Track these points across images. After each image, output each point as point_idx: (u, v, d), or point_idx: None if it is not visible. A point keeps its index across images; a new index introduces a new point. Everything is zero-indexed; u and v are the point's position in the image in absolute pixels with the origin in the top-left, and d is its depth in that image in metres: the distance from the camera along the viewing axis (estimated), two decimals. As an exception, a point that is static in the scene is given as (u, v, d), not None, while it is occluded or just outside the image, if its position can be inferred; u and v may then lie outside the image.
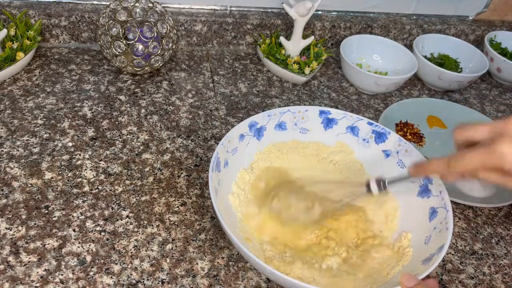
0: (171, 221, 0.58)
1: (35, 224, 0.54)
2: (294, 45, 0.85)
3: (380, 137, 0.61)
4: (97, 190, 0.60)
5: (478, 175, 0.42)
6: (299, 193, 0.57)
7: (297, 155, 0.63)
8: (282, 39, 0.85)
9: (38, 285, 0.49)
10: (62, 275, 0.50)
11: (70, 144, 0.65)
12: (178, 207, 0.60)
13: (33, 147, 0.64)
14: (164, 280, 0.51)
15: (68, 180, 0.60)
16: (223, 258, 0.55)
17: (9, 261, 0.50)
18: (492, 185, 0.69)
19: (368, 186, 0.53)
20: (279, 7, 0.93)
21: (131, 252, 0.53)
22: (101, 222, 0.56)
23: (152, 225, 0.57)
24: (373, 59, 0.93)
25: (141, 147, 0.67)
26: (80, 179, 0.61)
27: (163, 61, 0.79)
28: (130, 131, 0.69)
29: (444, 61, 0.93)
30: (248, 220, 0.55)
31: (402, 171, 0.59)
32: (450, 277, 0.58)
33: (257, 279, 0.53)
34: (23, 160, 0.62)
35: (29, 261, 0.51)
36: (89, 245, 0.53)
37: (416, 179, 0.56)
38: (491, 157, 0.39)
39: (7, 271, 0.49)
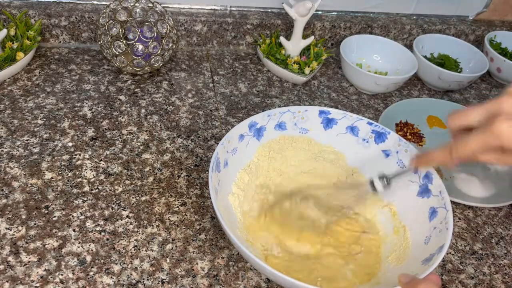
0: (171, 221, 0.58)
1: (35, 224, 0.54)
2: (294, 45, 0.85)
3: (380, 137, 0.61)
4: (97, 190, 0.60)
5: (479, 158, 0.41)
6: (301, 202, 0.57)
7: (291, 150, 0.63)
8: (282, 39, 0.85)
9: (38, 285, 0.49)
10: (62, 275, 0.50)
11: (70, 144, 0.65)
12: (178, 207, 0.60)
13: (33, 147, 0.64)
14: (164, 280, 0.51)
15: (68, 180, 0.60)
16: (223, 258, 0.55)
17: (9, 261, 0.50)
18: (492, 185, 0.69)
19: (372, 184, 0.53)
20: (279, 7, 0.93)
21: (131, 252, 0.53)
22: (101, 222, 0.56)
23: (152, 225, 0.57)
24: (373, 59, 0.92)
25: (141, 147, 0.67)
26: (80, 179, 0.61)
27: (163, 61, 0.79)
28: (130, 131, 0.69)
29: (444, 61, 0.93)
30: (249, 226, 0.55)
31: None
32: (450, 277, 0.58)
33: (257, 279, 0.53)
34: (23, 160, 0.62)
35: (29, 261, 0.51)
36: (89, 245, 0.53)
37: (417, 177, 0.56)
38: (490, 138, 0.39)
39: (7, 271, 0.49)
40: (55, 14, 0.81)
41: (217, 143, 0.59)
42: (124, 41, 0.73)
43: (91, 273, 0.51)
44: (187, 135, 0.70)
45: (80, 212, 0.57)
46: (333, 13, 0.97)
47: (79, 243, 0.53)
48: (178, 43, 0.89)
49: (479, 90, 0.95)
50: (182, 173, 0.64)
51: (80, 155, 0.64)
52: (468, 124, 0.42)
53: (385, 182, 0.52)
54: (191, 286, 0.51)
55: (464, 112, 0.43)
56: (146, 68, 0.78)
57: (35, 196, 0.58)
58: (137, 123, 0.71)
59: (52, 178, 0.60)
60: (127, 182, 0.62)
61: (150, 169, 0.64)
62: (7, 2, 0.81)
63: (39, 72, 0.78)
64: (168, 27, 0.76)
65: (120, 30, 0.73)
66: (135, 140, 0.68)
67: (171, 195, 0.61)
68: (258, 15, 0.91)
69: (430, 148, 0.75)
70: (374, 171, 0.56)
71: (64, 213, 0.56)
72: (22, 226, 0.54)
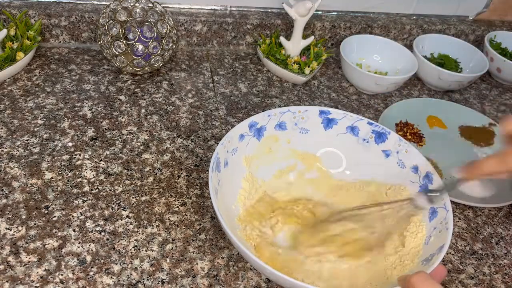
0: (171, 221, 0.58)
1: (35, 224, 0.54)
2: (294, 45, 0.85)
3: (380, 137, 0.61)
4: (97, 190, 0.60)
5: None
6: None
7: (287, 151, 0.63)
8: (282, 39, 0.85)
9: (38, 285, 0.49)
10: (62, 275, 0.50)
11: (70, 144, 0.65)
12: (178, 207, 0.60)
13: (33, 147, 0.64)
14: (164, 280, 0.51)
15: (68, 180, 0.60)
16: (223, 258, 0.55)
17: (9, 261, 0.50)
18: (492, 185, 0.69)
19: (413, 201, 0.52)
20: (279, 7, 0.93)
21: (131, 252, 0.53)
22: (101, 222, 0.56)
23: (152, 225, 0.57)
24: (373, 59, 0.93)
25: (141, 147, 0.67)
26: (80, 179, 0.61)
27: (163, 61, 0.79)
28: (130, 131, 0.69)
29: (444, 61, 0.93)
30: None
31: (403, 171, 0.59)
32: (450, 277, 0.58)
33: (257, 279, 0.53)
34: (23, 160, 0.62)
35: (29, 261, 0.51)
36: (89, 245, 0.53)
37: (417, 177, 0.56)
38: None
39: (7, 271, 0.49)
40: (55, 14, 0.81)
41: (217, 143, 0.59)
42: (124, 41, 0.73)
43: (91, 273, 0.51)
44: (187, 135, 0.70)
45: (80, 212, 0.57)
46: (333, 13, 0.97)
47: (79, 243, 0.53)
48: (178, 43, 0.89)
49: (479, 90, 0.95)
50: (182, 173, 0.64)
51: (80, 155, 0.64)
52: None
53: (430, 197, 0.51)
54: (191, 286, 0.51)
55: None
56: (146, 68, 0.78)
57: (35, 196, 0.58)
58: (137, 123, 0.71)
59: (52, 178, 0.60)
60: (127, 182, 0.61)
61: (150, 169, 0.64)
62: (7, 2, 0.81)
63: (39, 72, 0.78)
64: (168, 27, 0.76)
65: (120, 30, 0.73)
66: (135, 140, 0.68)
67: (171, 195, 0.61)
68: (258, 15, 0.91)
69: (430, 148, 0.76)
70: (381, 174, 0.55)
71: (64, 213, 0.56)
72: (22, 226, 0.54)
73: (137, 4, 0.74)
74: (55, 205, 0.57)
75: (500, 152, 0.41)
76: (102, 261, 0.52)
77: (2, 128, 0.66)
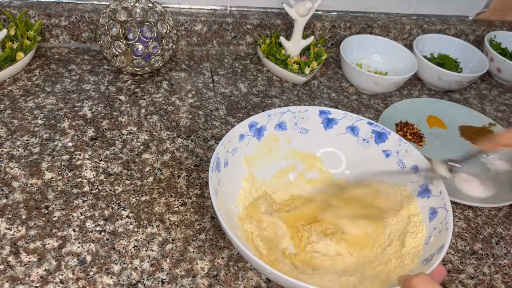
0: (171, 221, 0.58)
1: (35, 224, 0.54)
2: (294, 45, 0.85)
3: (380, 137, 0.61)
4: (97, 190, 0.60)
5: None
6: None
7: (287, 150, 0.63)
8: (282, 39, 0.85)
9: (38, 285, 0.49)
10: (62, 275, 0.50)
11: (70, 144, 0.65)
12: (178, 207, 0.60)
13: (33, 147, 0.64)
14: (164, 280, 0.51)
15: (68, 180, 0.60)
16: (223, 258, 0.55)
17: (9, 261, 0.50)
18: (492, 185, 0.69)
19: (433, 170, 0.52)
20: (279, 7, 0.93)
21: (131, 252, 0.53)
22: (101, 222, 0.56)
23: (152, 225, 0.57)
24: (373, 59, 0.93)
25: (141, 147, 0.67)
26: (80, 179, 0.61)
27: (163, 61, 0.79)
28: (130, 131, 0.69)
29: (444, 61, 0.93)
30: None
31: (405, 170, 0.59)
32: (450, 277, 0.58)
33: (257, 279, 0.53)
34: (23, 160, 0.62)
35: (29, 261, 0.51)
36: (89, 245, 0.53)
37: (419, 178, 0.56)
38: None
39: (7, 271, 0.49)
40: (55, 14, 0.81)
41: (217, 143, 0.59)
42: (124, 41, 0.73)
43: (91, 273, 0.51)
44: (187, 135, 0.70)
45: (80, 212, 0.57)
46: (333, 13, 0.97)
47: (79, 243, 0.53)
48: (178, 43, 0.89)
49: (479, 90, 0.95)
50: (182, 173, 0.64)
51: (80, 155, 0.64)
52: None
53: (450, 167, 0.51)
54: (191, 286, 0.51)
55: None
56: (146, 68, 0.78)
57: (35, 196, 0.58)
58: (137, 123, 0.71)
59: (52, 178, 0.60)
60: (127, 182, 0.61)
61: (150, 169, 0.64)
62: (7, 2, 0.81)
63: (39, 72, 0.78)
64: (168, 27, 0.76)
65: (120, 30, 0.73)
66: (135, 140, 0.68)
67: (171, 195, 0.61)
68: (258, 15, 0.91)
69: (430, 148, 0.76)
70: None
71: (64, 213, 0.56)
72: (22, 226, 0.54)
73: (137, 4, 0.74)
74: (55, 205, 0.57)
75: None
76: (102, 261, 0.52)
77: (2, 128, 0.66)
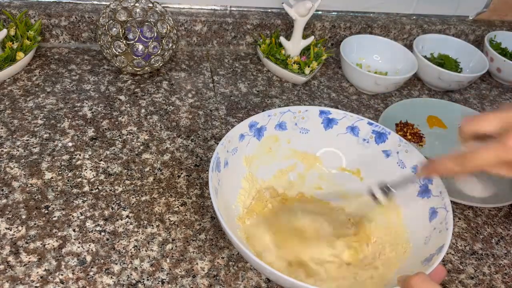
0: (171, 221, 0.58)
1: (35, 224, 0.54)
2: (294, 45, 0.85)
3: (380, 137, 0.61)
4: (97, 190, 0.60)
5: (490, 170, 0.41)
6: (303, 211, 0.57)
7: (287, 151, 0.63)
8: (282, 39, 0.85)
9: (38, 285, 0.49)
10: (62, 275, 0.50)
11: (70, 144, 0.65)
12: (178, 207, 0.60)
13: (33, 147, 0.64)
14: (164, 280, 0.51)
15: (68, 180, 0.60)
16: (223, 258, 0.55)
17: (9, 261, 0.50)
18: (492, 185, 0.69)
19: (372, 195, 0.52)
20: (279, 7, 0.93)
21: (131, 252, 0.53)
22: (101, 222, 0.56)
23: (152, 225, 0.57)
24: (373, 59, 0.93)
25: (141, 147, 0.67)
26: (80, 179, 0.61)
27: (163, 61, 0.79)
28: (130, 131, 0.69)
29: (444, 61, 0.93)
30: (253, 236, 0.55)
31: (402, 171, 0.59)
32: (450, 277, 0.58)
33: (257, 279, 0.53)
34: (23, 160, 0.62)
35: (29, 261, 0.51)
36: (89, 245, 0.53)
37: (418, 179, 0.56)
38: (504, 152, 0.38)
39: (7, 271, 0.49)
40: (55, 14, 0.81)
41: (217, 143, 0.59)
42: (124, 41, 0.73)
43: (91, 273, 0.51)
44: (187, 135, 0.70)
45: (80, 212, 0.57)
46: (333, 13, 0.97)
47: (79, 243, 0.53)
48: (178, 43, 0.89)
49: (479, 90, 0.95)
50: (182, 173, 0.64)
51: (80, 155, 0.64)
52: (482, 132, 0.41)
53: (386, 192, 0.51)
54: (191, 286, 0.51)
55: (479, 119, 0.41)
56: (146, 68, 0.78)
57: (35, 196, 0.58)
58: (137, 123, 0.71)
59: (52, 178, 0.60)
60: (127, 182, 0.61)
61: (150, 169, 0.64)
62: (7, 2, 0.81)
63: (39, 72, 0.78)
64: (168, 27, 0.76)
65: (120, 30, 0.73)
66: (135, 140, 0.68)
67: (171, 195, 0.61)
68: (258, 15, 0.91)
69: (430, 148, 0.76)
70: (375, 176, 0.55)
71: (64, 213, 0.56)
72: (22, 226, 0.54)
73: (137, 4, 0.74)
74: (55, 205, 0.57)
75: (458, 153, 0.42)
76: (102, 261, 0.52)
77: (2, 128, 0.66)
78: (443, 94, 0.92)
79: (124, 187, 0.61)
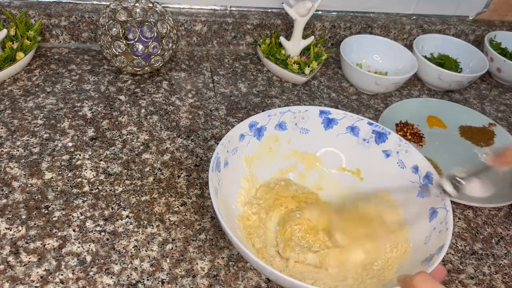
0: (171, 221, 0.58)
1: (35, 224, 0.54)
2: (294, 45, 0.85)
3: (380, 137, 0.61)
4: (97, 190, 0.60)
5: None
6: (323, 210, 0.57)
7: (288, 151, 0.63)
8: (282, 39, 0.85)
9: (38, 285, 0.49)
10: (62, 275, 0.50)
11: (70, 144, 0.65)
12: (178, 207, 0.60)
13: (33, 147, 0.64)
14: (164, 280, 0.51)
15: (68, 180, 0.60)
16: (223, 258, 0.55)
17: (9, 261, 0.50)
18: (492, 185, 0.69)
19: (441, 187, 0.51)
20: (279, 7, 0.93)
21: (131, 252, 0.53)
22: (101, 222, 0.56)
23: (152, 225, 0.57)
24: (373, 59, 0.93)
25: (141, 147, 0.67)
26: (80, 179, 0.61)
27: (163, 61, 0.79)
28: (130, 131, 0.69)
29: (444, 61, 0.93)
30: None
31: (403, 171, 0.59)
32: (450, 277, 0.58)
33: (257, 279, 0.53)
34: (23, 160, 0.62)
35: (29, 261, 0.51)
36: (89, 245, 0.53)
37: (417, 177, 0.56)
38: None
39: (7, 271, 0.49)
40: (55, 14, 0.81)
41: (217, 143, 0.59)
42: (124, 41, 0.73)
43: (91, 273, 0.51)
44: (187, 135, 0.70)
45: (80, 212, 0.57)
46: (333, 13, 0.97)
47: (79, 243, 0.53)
48: (178, 43, 0.89)
49: (479, 90, 0.95)
50: (182, 173, 0.64)
51: (80, 155, 0.64)
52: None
53: (456, 184, 0.50)
54: (191, 286, 0.51)
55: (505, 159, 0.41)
56: (146, 68, 0.78)
57: (35, 196, 0.58)
58: (137, 123, 0.71)
59: (52, 178, 0.60)
60: (127, 182, 0.61)
61: (150, 169, 0.64)
62: (7, 2, 0.81)
63: (39, 72, 0.78)
64: (168, 27, 0.76)
65: (120, 30, 0.73)
66: (135, 140, 0.68)
67: (171, 195, 0.61)
68: (258, 15, 0.91)
69: (430, 148, 0.76)
70: (375, 176, 0.55)
71: (64, 213, 0.56)
72: (22, 226, 0.54)
73: (137, 4, 0.74)
74: (55, 205, 0.57)
75: None
76: (102, 261, 0.52)
77: (2, 128, 0.66)
78: (443, 94, 0.92)
79: (124, 187, 0.61)
